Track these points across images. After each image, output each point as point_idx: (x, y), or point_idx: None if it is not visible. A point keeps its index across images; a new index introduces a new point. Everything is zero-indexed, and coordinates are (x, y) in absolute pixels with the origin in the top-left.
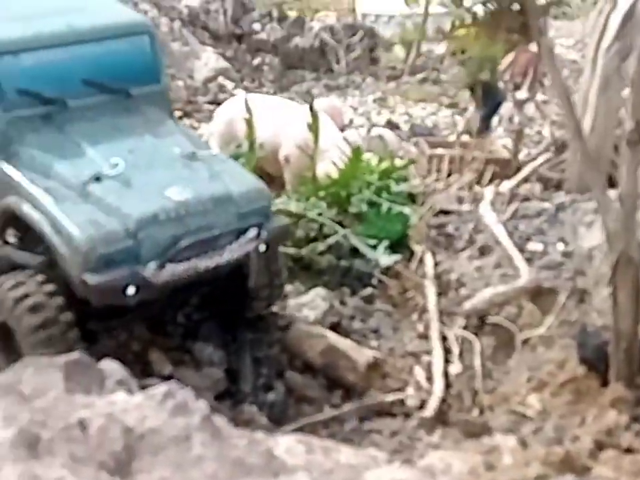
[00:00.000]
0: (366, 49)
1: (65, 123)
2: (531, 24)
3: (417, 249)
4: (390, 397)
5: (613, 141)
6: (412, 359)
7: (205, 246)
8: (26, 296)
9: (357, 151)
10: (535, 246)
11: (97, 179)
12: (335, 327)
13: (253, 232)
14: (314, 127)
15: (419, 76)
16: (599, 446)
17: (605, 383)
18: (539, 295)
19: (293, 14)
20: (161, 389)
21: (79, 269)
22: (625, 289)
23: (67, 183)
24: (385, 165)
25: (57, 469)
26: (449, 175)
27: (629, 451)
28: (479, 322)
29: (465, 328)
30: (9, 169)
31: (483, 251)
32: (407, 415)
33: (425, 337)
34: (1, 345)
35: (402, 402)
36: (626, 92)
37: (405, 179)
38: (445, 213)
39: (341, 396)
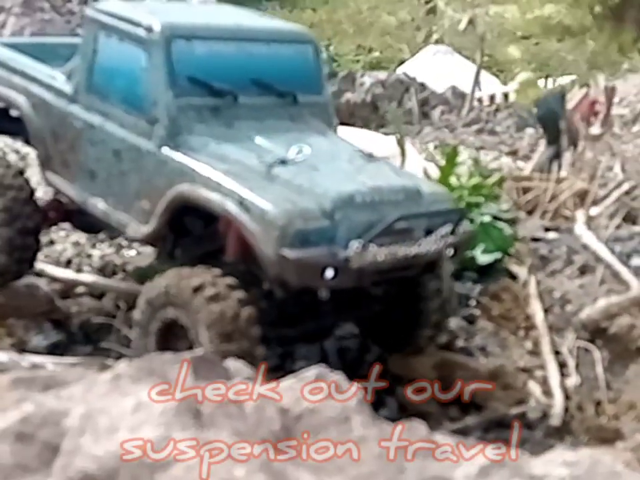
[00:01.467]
0: (418, 101)
1: (233, 119)
2: None
3: (516, 269)
4: (514, 410)
5: None
6: (524, 375)
7: (399, 236)
8: (205, 286)
9: (452, 155)
10: (638, 262)
11: (282, 162)
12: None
13: (447, 228)
14: (401, 149)
15: (475, 127)
16: None
17: None
18: None
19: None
20: (312, 372)
21: (275, 245)
22: None
23: (248, 167)
24: (475, 180)
25: (226, 438)
26: (532, 207)
27: None
28: (590, 336)
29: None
30: (180, 157)
31: (584, 270)
32: (529, 427)
33: (534, 353)
34: (160, 346)
35: (522, 414)
36: None
37: (496, 197)
38: (533, 240)
39: (458, 409)
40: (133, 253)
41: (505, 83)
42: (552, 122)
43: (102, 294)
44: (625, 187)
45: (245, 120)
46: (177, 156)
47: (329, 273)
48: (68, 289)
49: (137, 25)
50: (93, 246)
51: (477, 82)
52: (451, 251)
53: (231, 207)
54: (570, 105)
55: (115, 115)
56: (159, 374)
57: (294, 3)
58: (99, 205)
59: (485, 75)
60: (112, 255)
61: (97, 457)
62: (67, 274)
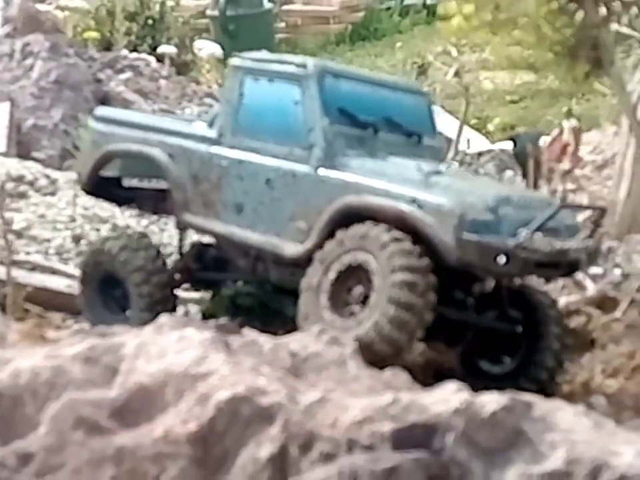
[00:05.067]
0: None
1: (374, 149)
2: (603, 56)
3: None
4: None
5: None
6: None
7: (551, 233)
8: (402, 240)
9: None
10: (595, 270)
11: (437, 172)
12: None
13: (585, 232)
14: None
15: (460, 169)
16: None
17: None
18: (605, 305)
19: None
20: (315, 328)
21: (454, 231)
22: None
23: (408, 177)
24: None
25: (250, 362)
26: None
27: None
28: None
29: None
30: (340, 174)
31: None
32: None
33: None
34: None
35: None
36: None
37: None
38: None
39: None
40: None
41: (492, 142)
42: (523, 159)
43: None
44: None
45: (383, 152)
46: (336, 174)
47: (502, 258)
48: None
49: (289, 64)
50: None
51: (461, 128)
52: (586, 256)
53: (404, 207)
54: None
55: (265, 148)
56: (193, 326)
57: None
58: (247, 235)
59: (474, 135)
60: None
61: (149, 373)
62: None
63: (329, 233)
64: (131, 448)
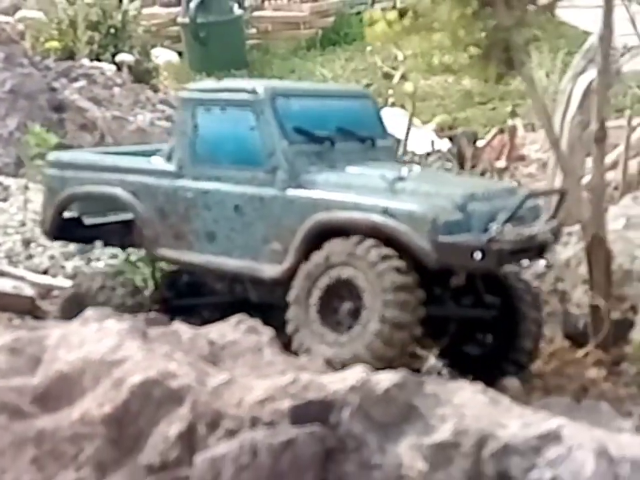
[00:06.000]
0: None
1: (334, 161)
2: (514, 57)
3: None
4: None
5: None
6: None
7: (518, 221)
8: (377, 246)
9: None
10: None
11: (401, 178)
12: None
13: (545, 215)
14: None
15: None
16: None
17: (585, 352)
18: None
19: None
20: (233, 318)
21: (429, 236)
22: (598, 266)
23: (374, 187)
24: None
25: (164, 349)
26: None
27: None
28: None
29: None
30: (307, 193)
31: None
32: None
33: None
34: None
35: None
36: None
37: None
38: None
39: None
40: (101, 264)
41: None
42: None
43: None
44: None
45: (342, 162)
46: (304, 192)
47: (478, 254)
48: (46, 292)
49: (240, 91)
50: (67, 259)
51: (409, 129)
52: (552, 237)
53: (377, 218)
54: (482, 143)
55: (228, 175)
56: (117, 319)
57: (262, 73)
58: (223, 262)
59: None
60: (83, 267)
61: (69, 362)
62: (45, 279)
63: (306, 251)
64: (50, 430)
